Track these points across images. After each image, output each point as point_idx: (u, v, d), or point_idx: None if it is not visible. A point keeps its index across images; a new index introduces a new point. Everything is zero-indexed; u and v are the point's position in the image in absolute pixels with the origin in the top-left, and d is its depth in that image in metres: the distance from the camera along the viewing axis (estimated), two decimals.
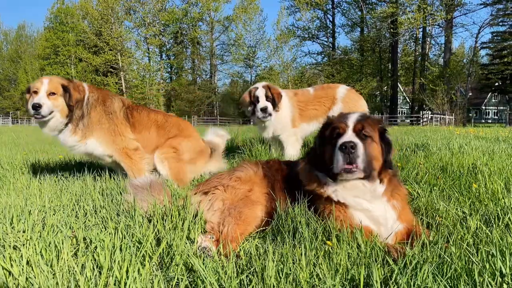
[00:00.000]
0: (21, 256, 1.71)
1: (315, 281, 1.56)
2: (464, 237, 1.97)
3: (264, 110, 4.88)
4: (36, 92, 3.43)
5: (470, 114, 54.07)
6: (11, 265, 1.66)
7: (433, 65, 42.00)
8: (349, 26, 45.19)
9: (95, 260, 1.71)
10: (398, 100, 47.93)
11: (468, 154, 4.66)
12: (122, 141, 3.71)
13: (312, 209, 2.19)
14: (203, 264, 1.68)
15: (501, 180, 3.13)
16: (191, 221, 2.16)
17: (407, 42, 44.82)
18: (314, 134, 5.13)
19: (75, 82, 3.68)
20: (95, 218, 2.35)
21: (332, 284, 1.49)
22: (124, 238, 1.92)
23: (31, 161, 5.17)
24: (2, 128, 31.35)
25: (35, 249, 1.79)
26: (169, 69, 54.47)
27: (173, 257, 1.79)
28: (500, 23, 38.89)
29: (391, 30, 36.61)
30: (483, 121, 59.12)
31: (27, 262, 1.70)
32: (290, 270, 1.62)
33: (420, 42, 42.46)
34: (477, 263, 1.59)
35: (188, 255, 1.77)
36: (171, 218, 2.20)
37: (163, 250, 1.86)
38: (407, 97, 57.06)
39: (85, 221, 2.29)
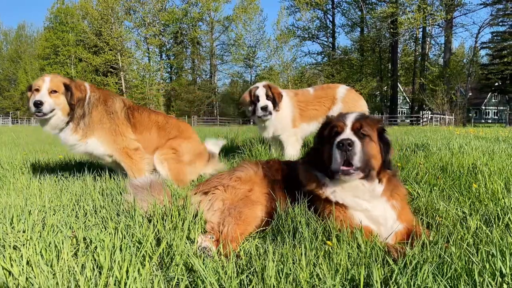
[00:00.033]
0: (21, 256, 1.71)
1: (315, 281, 1.56)
2: (464, 237, 1.97)
3: (264, 109, 4.88)
4: (37, 90, 3.43)
5: (470, 114, 54.08)
6: (11, 265, 1.66)
7: (433, 65, 42.00)
8: (349, 26, 45.20)
9: (95, 260, 1.71)
10: (398, 100, 47.93)
11: (468, 154, 4.66)
12: (123, 141, 3.71)
13: (312, 209, 2.19)
14: (203, 264, 1.68)
15: (501, 180, 3.13)
16: (191, 221, 2.16)
17: (407, 42, 44.86)
18: (314, 134, 5.12)
19: (77, 81, 3.68)
20: (95, 218, 2.35)
21: (332, 284, 1.49)
22: (124, 238, 1.92)
23: (31, 161, 5.17)
24: (2, 128, 31.35)
25: (35, 249, 1.79)
26: (169, 69, 54.51)
27: (173, 257, 1.80)
28: (500, 23, 38.91)
29: (391, 30, 36.61)
30: (483, 121, 59.13)
31: (27, 262, 1.70)
32: (290, 270, 1.62)
33: (420, 42, 42.47)
34: (477, 263, 1.59)
35: (188, 255, 1.77)
36: (171, 218, 2.20)
37: (163, 250, 1.86)
38: (407, 97, 57.07)
39: (85, 221, 2.29)
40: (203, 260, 1.76)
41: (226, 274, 1.61)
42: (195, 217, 2.21)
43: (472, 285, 1.48)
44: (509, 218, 2.22)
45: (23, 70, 60.95)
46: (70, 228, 2.13)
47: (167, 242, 1.88)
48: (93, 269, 1.64)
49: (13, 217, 2.25)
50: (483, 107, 64.96)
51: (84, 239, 1.95)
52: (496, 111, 64.82)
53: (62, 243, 1.83)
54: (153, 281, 1.58)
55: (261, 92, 4.92)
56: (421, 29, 40.66)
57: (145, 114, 3.98)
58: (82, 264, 1.70)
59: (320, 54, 46.48)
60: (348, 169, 1.94)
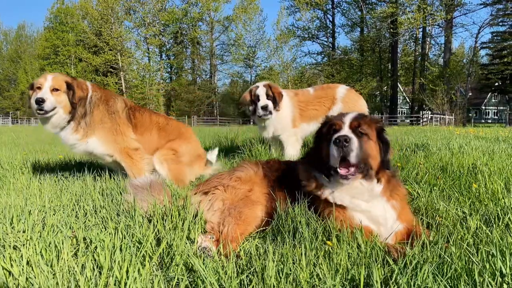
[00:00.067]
0: (21, 256, 1.71)
1: (315, 281, 1.56)
2: (464, 237, 1.97)
3: (265, 108, 4.87)
4: (39, 88, 3.43)
5: (470, 114, 54.09)
6: (11, 265, 1.66)
7: (433, 65, 42.00)
8: (349, 26, 45.17)
9: (95, 260, 1.71)
10: (398, 100, 47.91)
11: (468, 154, 4.66)
12: (124, 141, 3.72)
13: (312, 209, 2.19)
14: (203, 264, 1.68)
15: (501, 180, 3.13)
16: (191, 221, 2.16)
17: (407, 42, 44.84)
18: (314, 134, 5.13)
19: (78, 80, 3.68)
20: (95, 218, 2.35)
21: (332, 284, 1.49)
22: (124, 238, 1.92)
23: (31, 161, 5.17)
24: (2, 128, 31.35)
25: (35, 249, 1.79)
26: (169, 69, 54.51)
27: (173, 257, 1.80)
28: (500, 23, 38.92)
29: (391, 30, 36.60)
30: (483, 121, 59.13)
31: (27, 262, 1.70)
32: (290, 270, 1.62)
33: (420, 42, 42.45)
34: (477, 263, 1.59)
35: (188, 255, 1.77)
36: (171, 218, 2.20)
37: (163, 250, 1.86)
38: (407, 97, 57.06)
39: (85, 221, 2.29)
40: (203, 260, 1.76)
41: (226, 274, 1.61)
42: (195, 217, 2.21)
43: (472, 285, 1.48)
44: (509, 218, 2.22)
45: (23, 70, 60.97)
46: (70, 228, 2.13)
47: (167, 242, 1.88)
48: (93, 269, 1.64)
49: (13, 217, 2.25)
50: (483, 107, 64.97)
51: (84, 239, 1.95)
52: (496, 111, 64.83)
53: (62, 243, 1.83)
54: (153, 281, 1.58)
55: (261, 91, 4.92)
56: (421, 29, 40.66)
57: (146, 115, 3.99)
58: (82, 264, 1.70)
59: (320, 54, 46.52)
60: (346, 174, 1.95)
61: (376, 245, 1.83)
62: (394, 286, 1.49)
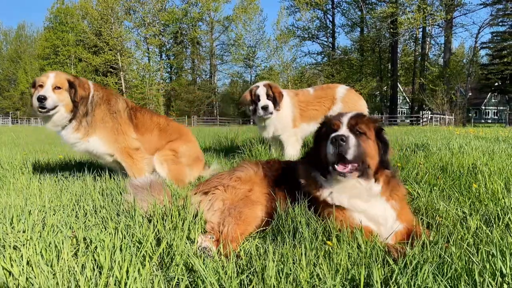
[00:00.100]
0: (21, 256, 1.71)
1: (315, 281, 1.56)
2: (464, 237, 1.97)
3: (265, 108, 4.87)
4: (41, 86, 3.43)
5: (470, 114, 54.09)
6: (11, 265, 1.65)
7: (433, 65, 42.02)
8: (349, 26, 45.19)
9: (95, 260, 1.71)
10: (398, 100, 47.93)
11: (468, 154, 4.66)
12: (125, 140, 3.72)
13: (312, 209, 2.20)
14: (203, 264, 1.68)
15: (501, 180, 3.13)
16: (191, 221, 2.16)
17: (407, 42, 44.87)
18: (313, 134, 5.14)
19: (81, 79, 3.68)
20: (95, 218, 2.35)
21: (333, 284, 1.49)
22: (124, 238, 1.92)
23: (31, 161, 5.16)
24: (2, 128, 31.34)
25: (35, 249, 1.79)
26: (169, 69, 54.54)
27: (173, 257, 1.79)
28: (500, 23, 38.92)
29: (391, 30, 36.62)
30: (482, 121, 59.13)
31: (27, 262, 1.70)
32: (291, 270, 1.62)
33: (420, 42, 42.46)
34: (477, 263, 1.59)
35: (188, 255, 1.77)
36: (171, 218, 2.20)
37: (163, 250, 1.86)
38: (407, 97, 57.06)
39: (85, 221, 2.29)
40: (203, 260, 1.76)
41: (226, 274, 1.61)
42: (195, 217, 2.21)
43: (472, 285, 1.48)
44: (509, 218, 2.22)
45: (23, 70, 60.99)
46: (70, 228, 2.13)
47: (167, 242, 1.88)
48: (93, 269, 1.64)
49: (13, 217, 2.25)
50: (483, 107, 64.98)
51: (84, 239, 1.95)
52: (496, 111, 64.84)
53: (62, 243, 1.82)
54: (153, 281, 1.58)
55: (261, 91, 4.92)
56: (421, 29, 40.67)
57: (147, 116, 4.01)
58: (82, 264, 1.70)
59: (320, 54, 46.54)
60: (343, 171, 1.95)
61: (376, 245, 1.83)
62: (394, 286, 1.49)
